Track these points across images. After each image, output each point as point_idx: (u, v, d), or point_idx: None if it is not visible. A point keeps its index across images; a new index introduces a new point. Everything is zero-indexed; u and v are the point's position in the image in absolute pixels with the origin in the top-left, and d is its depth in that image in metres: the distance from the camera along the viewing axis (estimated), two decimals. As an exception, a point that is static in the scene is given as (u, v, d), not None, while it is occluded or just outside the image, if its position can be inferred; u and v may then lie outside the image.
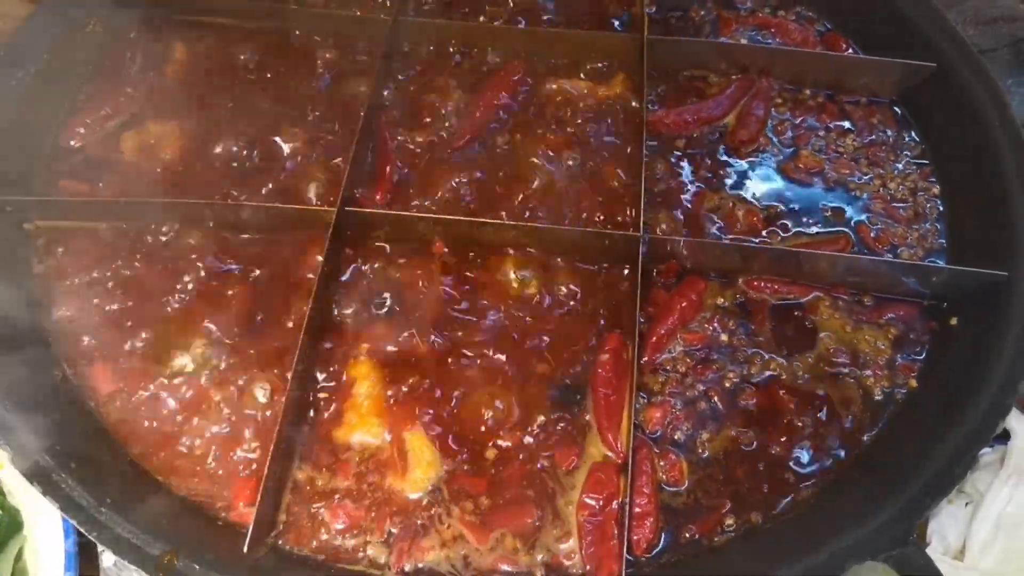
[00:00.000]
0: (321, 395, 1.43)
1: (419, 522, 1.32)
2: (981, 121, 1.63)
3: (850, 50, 1.90)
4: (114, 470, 1.32)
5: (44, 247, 1.57)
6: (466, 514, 1.33)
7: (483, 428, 1.40)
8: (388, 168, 1.66)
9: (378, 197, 1.62)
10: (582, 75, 1.83)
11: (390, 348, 1.47)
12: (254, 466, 1.36)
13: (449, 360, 1.46)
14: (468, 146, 1.71)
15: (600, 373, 1.42)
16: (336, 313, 1.50)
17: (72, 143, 1.70)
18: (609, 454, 1.37)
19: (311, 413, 1.41)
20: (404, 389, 1.42)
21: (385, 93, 1.78)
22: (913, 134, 1.78)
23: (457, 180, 1.65)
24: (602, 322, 1.50)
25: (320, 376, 1.44)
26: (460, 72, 1.83)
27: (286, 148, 1.70)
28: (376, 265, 1.56)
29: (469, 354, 1.46)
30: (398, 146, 1.70)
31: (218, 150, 1.69)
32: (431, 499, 1.34)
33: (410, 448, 1.37)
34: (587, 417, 1.41)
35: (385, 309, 1.51)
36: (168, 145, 1.70)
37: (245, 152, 1.69)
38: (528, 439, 1.39)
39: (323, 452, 1.38)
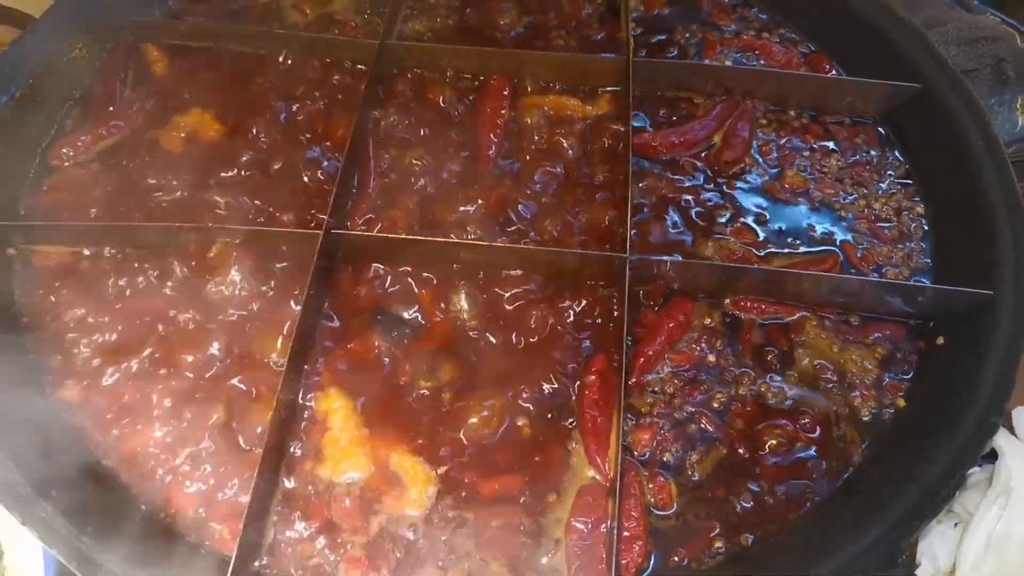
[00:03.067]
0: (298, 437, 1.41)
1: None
2: (964, 141, 1.64)
3: (834, 71, 1.92)
4: (96, 498, 1.30)
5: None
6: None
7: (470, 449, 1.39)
8: (369, 190, 1.67)
9: (358, 220, 1.62)
10: (569, 95, 1.84)
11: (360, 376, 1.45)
12: (239, 496, 1.33)
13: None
14: (467, 166, 1.72)
15: (587, 395, 1.42)
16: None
17: (56, 164, 1.70)
18: (597, 476, 1.36)
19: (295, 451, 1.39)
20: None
21: (374, 114, 1.78)
22: (897, 154, 1.79)
23: (449, 204, 1.65)
24: (587, 344, 1.49)
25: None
26: (449, 94, 1.84)
27: (273, 170, 1.70)
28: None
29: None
30: (385, 166, 1.71)
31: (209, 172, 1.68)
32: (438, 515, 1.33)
33: (399, 469, 1.36)
34: (573, 445, 1.40)
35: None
36: (158, 166, 1.69)
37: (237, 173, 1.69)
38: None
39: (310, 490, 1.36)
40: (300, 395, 1.43)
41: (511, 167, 1.73)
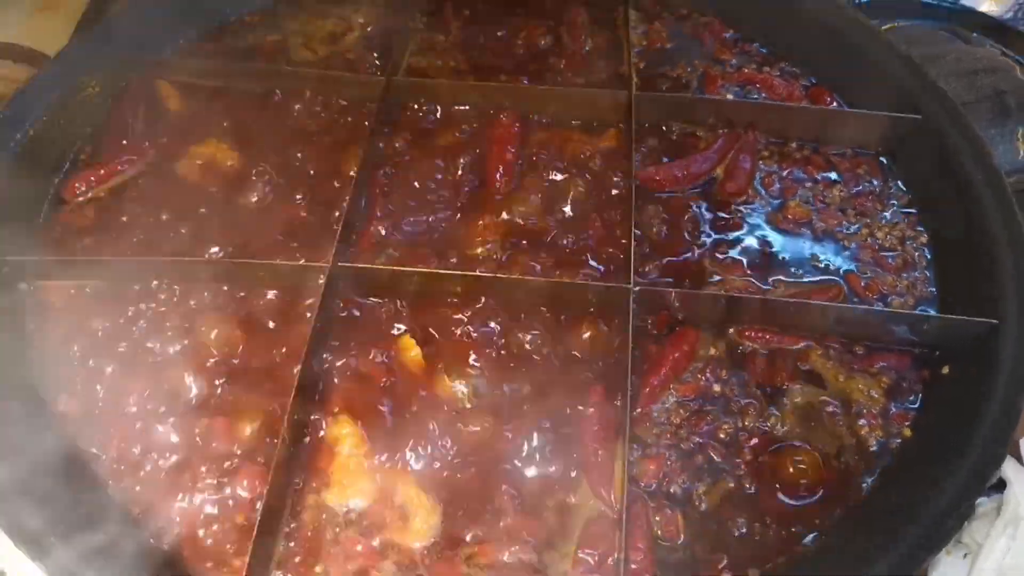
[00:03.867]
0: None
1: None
2: (964, 172, 1.65)
3: (834, 103, 1.94)
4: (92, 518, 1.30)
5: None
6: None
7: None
8: (372, 227, 1.68)
9: (365, 253, 1.64)
10: (574, 129, 1.87)
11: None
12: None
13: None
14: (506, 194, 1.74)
15: (587, 428, 1.42)
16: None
17: (69, 199, 1.72)
18: (602, 508, 1.36)
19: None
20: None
21: (381, 149, 1.80)
22: (899, 183, 1.80)
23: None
24: (588, 375, 1.50)
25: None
26: (455, 130, 1.86)
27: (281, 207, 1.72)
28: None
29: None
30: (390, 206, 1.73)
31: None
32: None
33: (405, 499, 1.36)
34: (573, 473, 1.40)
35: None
36: (172, 200, 1.72)
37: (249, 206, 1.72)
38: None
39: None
40: (309, 420, 1.44)
41: (517, 200, 1.74)
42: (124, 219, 1.69)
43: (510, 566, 1.31)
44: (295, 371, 1.41)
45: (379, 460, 1.40)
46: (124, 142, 1.81)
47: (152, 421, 1.43)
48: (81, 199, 1.73)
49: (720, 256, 1.67)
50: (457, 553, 1.32)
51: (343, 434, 1.42)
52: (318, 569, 1.31)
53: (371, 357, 1.51)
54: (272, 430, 1.41)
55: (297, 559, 1.32)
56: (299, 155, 1.81)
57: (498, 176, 1.76)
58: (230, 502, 1.36)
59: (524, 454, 1.41)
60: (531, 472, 1.40)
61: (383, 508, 1.36)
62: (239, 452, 1.41)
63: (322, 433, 1.43)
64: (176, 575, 1.30)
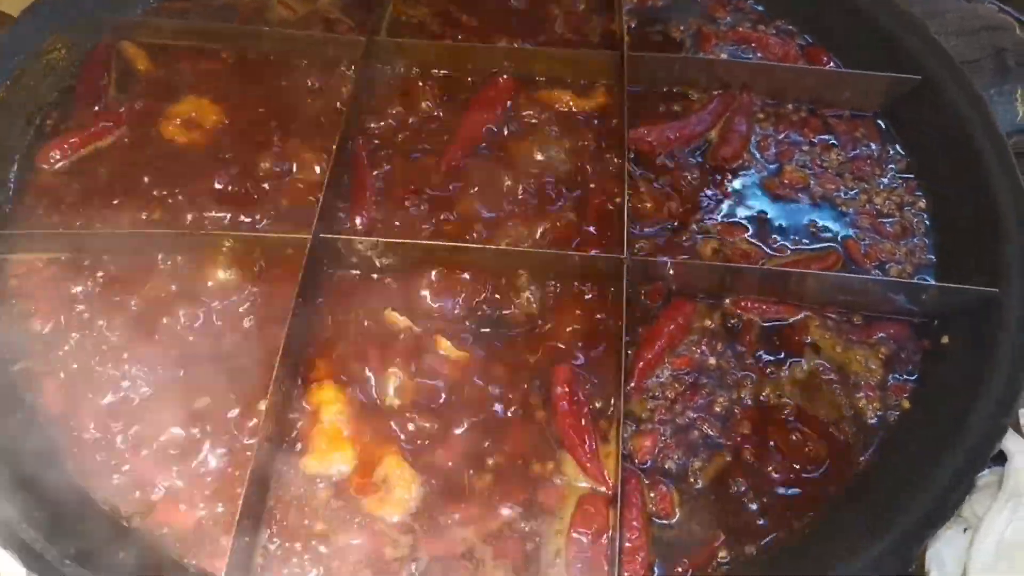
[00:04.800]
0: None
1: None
2: (966, 134, 1.61)
3: (832, 63, 1.88)
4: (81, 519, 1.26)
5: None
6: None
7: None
8: (367, 193, 1.62)
9: (358, 221, 1.58)
10: (563, 88, 1.80)
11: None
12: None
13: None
14: (455, 167, 1.67)
15: (561, 409, 1.37)
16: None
17: (42, 167, 1.65)
18: (598, 488, 1.33)
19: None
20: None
21: (363, 114, 1.74)
22: (898, 147, 1.76)
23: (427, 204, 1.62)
24: (584, 348, 1.46)
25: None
26: (438, 92, 1.80)
27: (263, 172, 1.65)
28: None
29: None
30: (377, 167, 1.67)
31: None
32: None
33: (387, 469, 1.33)
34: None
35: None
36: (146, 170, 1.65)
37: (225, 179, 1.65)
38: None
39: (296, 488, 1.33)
40: (294, 390, 1.40)
41: (505, 163, 1.68)
42: (102, 190, 1.63)
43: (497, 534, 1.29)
44: (282, 333, 1.36)
45: (362, 428, 1.37)
46: (96, 108, 1.73)
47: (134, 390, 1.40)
48: (56, 166, 1.65)
49: (715, 222, 1.62)
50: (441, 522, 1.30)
51: (327, 399, 1.39)
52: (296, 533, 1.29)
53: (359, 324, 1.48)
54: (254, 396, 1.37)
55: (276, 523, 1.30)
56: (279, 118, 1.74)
57: (483, 139, 1.71)
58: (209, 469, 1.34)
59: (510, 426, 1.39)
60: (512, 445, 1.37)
61: (364, 477, 1.33)
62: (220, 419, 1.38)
63: (305, 401, 1.40)
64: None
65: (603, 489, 1.32)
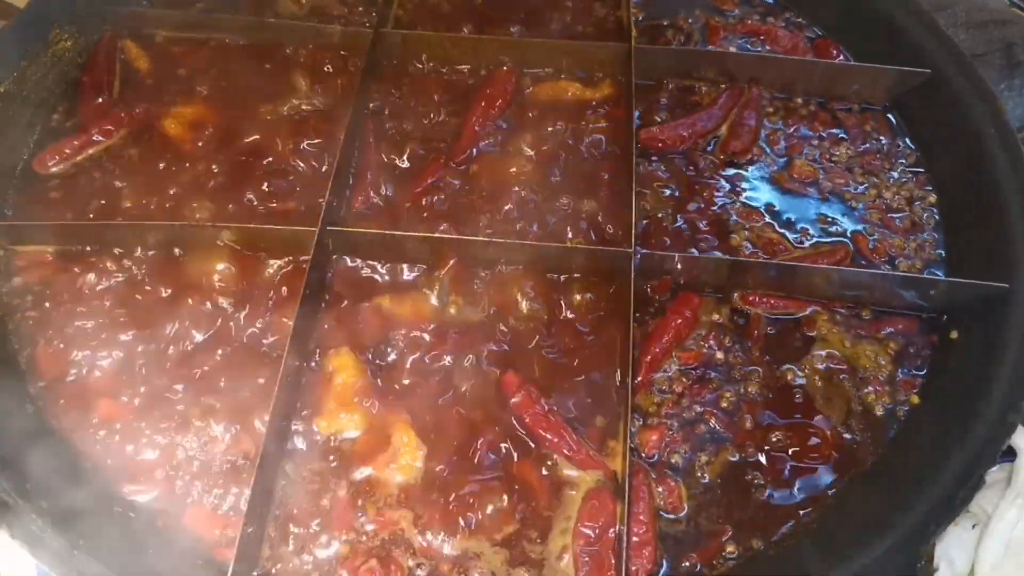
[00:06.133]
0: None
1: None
2: (975, 129, 1.60)
3: (841, 56, 1.87)
4: (89, 508, 1.26)
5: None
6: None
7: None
8: (369, 174, 1.62)
9: (359, 199, 1.59)
10: (570, 80, 1.80)
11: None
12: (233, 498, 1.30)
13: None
14: (464, 161, 1.66)
15: (524, 418, 1.36)
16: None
17: (47, 166, 1.64)
18: (603, 480, 1.32)
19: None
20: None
21: (370, 106, 1.73)
22: (908, 141, 1.75)
23: (438, 197, 1.62)
24: (591, 338, 1.46)
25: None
26: (445, 84, 1.79)
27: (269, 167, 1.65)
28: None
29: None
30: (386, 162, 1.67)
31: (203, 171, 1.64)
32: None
33: (394, 435, 1.34)
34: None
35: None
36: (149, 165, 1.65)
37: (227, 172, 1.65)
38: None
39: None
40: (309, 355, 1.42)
41: (510, 157, 1.68)
42: (108, 183, 1.63)
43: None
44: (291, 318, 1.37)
45: (375, 396, 1.38)
46: (100, 104, 1.72)
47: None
48: (54, 169, 1.64)
49: (725, 219, 1.61)
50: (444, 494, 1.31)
51: (342, 364, 1.40)
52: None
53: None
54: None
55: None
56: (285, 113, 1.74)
57: (488, 132, 1.70)
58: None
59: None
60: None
61: (373, 441, 1.35)
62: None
63: (316, 362, 1.42)
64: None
65: (601, 473, 1.32)
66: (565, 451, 1.33)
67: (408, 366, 1.43)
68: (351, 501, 1.29)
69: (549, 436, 1.34)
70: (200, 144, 1.68)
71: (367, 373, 1.40)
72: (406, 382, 1.41)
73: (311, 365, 1.41)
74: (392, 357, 1.43)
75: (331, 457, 1.34)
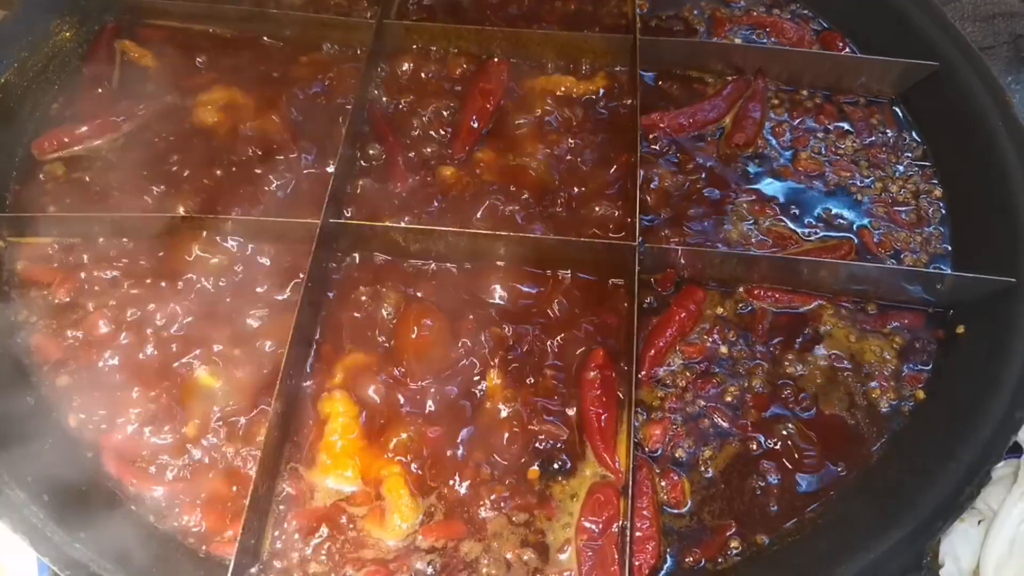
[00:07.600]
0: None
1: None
2: (983, 122, 1.59)
3: (847, 49, 1.85)
4: (89, 502, 1.25)
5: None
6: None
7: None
8: (400, 159, 1.63)
9: (399, 185, 1.60)
10: (563, 73, 1.79)
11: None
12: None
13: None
14: (465, 155, 1.66)
15: (588, 393, 1.36)
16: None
17: (47, 158, 1.63)
18: (607, 474, 1.31)
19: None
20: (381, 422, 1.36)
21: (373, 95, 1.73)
22: (914, 134, 1.73)
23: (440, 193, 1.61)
24: (598, 338, 1.44)
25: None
26: (446, 76, 1.78)
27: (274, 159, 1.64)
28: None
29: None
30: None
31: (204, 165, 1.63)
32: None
33: (387, 491, 1.29)
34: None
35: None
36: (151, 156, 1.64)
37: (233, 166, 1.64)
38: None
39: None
40: (306, 393, 1.39)
41: (510, 151, 1.67)
42: (107, 176, 1.61)
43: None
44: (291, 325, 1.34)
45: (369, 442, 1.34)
46: (102, 96, 1.72)
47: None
48: (58, 156, 1.64)
49: (728, 212, 1.60)
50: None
51: (337, 411, 1.35)
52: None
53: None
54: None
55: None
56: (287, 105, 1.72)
57: (485, 124, 1.69)
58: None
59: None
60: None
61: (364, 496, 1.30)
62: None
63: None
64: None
65: (610, 475, 1.31)
66: (598, 439, 1.32)
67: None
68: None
69: (599, 415, 1.33)
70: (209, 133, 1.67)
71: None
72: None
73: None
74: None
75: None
